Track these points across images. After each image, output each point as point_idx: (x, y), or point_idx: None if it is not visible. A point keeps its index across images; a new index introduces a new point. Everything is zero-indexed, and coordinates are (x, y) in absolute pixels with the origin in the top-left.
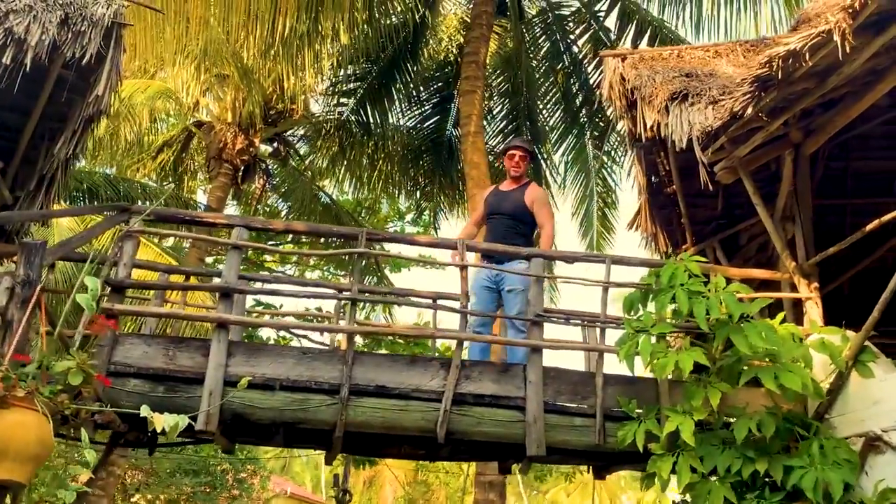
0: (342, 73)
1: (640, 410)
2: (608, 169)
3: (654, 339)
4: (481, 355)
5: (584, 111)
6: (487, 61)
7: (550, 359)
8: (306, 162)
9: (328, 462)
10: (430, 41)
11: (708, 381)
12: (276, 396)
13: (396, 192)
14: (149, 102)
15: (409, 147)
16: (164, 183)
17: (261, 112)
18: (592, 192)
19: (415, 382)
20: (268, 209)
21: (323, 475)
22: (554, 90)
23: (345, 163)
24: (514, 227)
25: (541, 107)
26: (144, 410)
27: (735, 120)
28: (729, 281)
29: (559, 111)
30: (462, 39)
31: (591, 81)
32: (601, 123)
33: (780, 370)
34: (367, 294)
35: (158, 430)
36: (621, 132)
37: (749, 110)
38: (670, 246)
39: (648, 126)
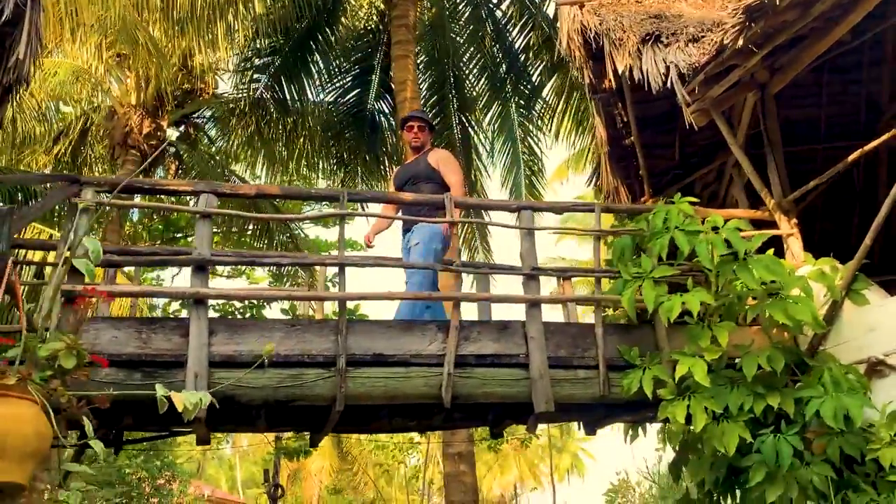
0: (255, 45)
1: (643, 358)
2: (534, 137)
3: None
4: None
5: (508, 78)
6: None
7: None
8: (217, 145)
9: (314, 444)
10: (349, 9)
11: (712, 322)
12: (267, 374)
13: (316, 172)
14: (61, 87)
15: (329, 123)
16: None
17: (171, 92)
18: (519, 160)
19: (413, 348)
20: (178, 196)
21: (239, 475)
22: (478, 57)
23: (261, 143)
24: (423, 190)
25: (466, 73)
26: (160, 390)
27: (714, 58)
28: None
29: (484, 79)
30: (382, 6)
31: (517, 47)
32: (526, 90)
33: (788, 303)
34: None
35: (180, 410)
36: (547, 98)
37: (740, 41)
38: (630, 199)
39: (620, 71)
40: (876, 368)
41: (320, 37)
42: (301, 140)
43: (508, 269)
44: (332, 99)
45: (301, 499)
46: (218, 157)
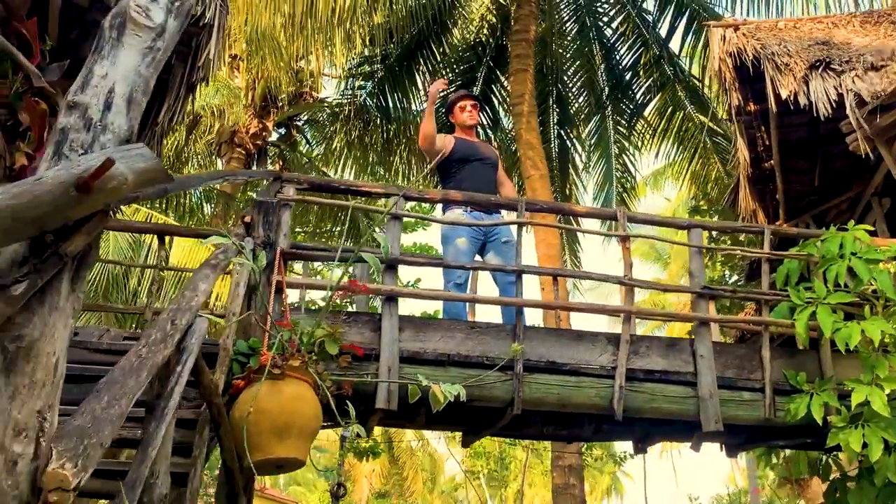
0: (365, 53)
1: (811, 384)
2: (629, 154)
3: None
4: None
5: (612, 95)
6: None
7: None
8: (320, 148)
9: (466, 445)
10: (459, 21)
11: (887, 351)
12: (450, 373)
13: (408, 180)
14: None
15: None
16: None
17: (287, 94)
18: (612, 176)
19: (584, 358)
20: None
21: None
22: (582, 73)
23: (359, 149)
24: (494, 179)
25: (570, 86)
26: (423, 380)
27: None
28: None
29: (586, 94)
30: (495, 19)
31: (624, 64)
32: (627, 108)
33: None
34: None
35: (441, 401)
36: (649, 117)
37: None
38: (767, 222)
39: (783, 96)
40: None
41: (428, 48)
42: (402, 147)
43: (681, 288)
44: None
45: (349, 501)
46: (313, 160)
